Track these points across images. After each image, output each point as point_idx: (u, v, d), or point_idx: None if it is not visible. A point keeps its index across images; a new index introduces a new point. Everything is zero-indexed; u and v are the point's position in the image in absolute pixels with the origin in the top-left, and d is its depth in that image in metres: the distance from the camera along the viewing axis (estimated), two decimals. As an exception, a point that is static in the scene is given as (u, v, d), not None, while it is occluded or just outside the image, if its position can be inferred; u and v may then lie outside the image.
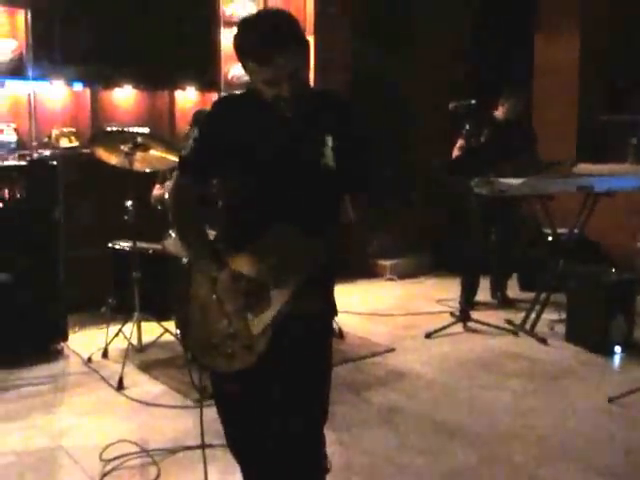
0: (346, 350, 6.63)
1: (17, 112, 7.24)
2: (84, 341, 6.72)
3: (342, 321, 7.01)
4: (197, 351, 3.21)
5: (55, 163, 6.47)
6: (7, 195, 6.08)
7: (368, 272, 9.64)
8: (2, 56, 6.99)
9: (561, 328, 7.12)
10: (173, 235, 5.72)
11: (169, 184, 5.16)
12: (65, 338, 6.53)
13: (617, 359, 6.55)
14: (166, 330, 6.29)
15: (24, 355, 6.12)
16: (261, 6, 8.69)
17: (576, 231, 7.38)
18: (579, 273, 7.06)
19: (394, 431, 5.03)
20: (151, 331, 6.41)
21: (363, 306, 8.23)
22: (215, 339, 3.01)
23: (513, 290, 8.63)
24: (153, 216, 5.97)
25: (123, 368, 5.76)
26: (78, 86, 7.57)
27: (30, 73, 7.12)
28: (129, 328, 6.20)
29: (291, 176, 2.93)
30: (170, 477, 4.36)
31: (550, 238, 7.83)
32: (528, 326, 7.25)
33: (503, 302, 8.37)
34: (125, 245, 6.42)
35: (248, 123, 2.95)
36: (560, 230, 7.55)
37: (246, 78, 2.93)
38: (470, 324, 7.33)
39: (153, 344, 6.43)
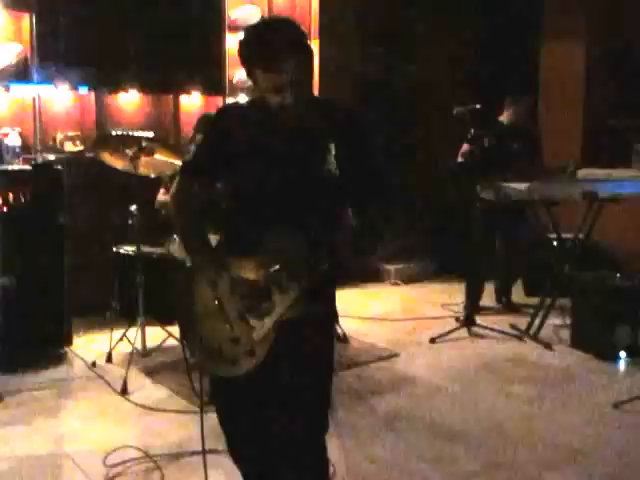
0: (351, 355, 6.62)
1: (22, 116, 7.23)
2: (88, 345, 6.72)
3: (347, 326, 7.02)
4: (200, 356, 3.21)
5: (60, 167, 6.47)
6: (12, 199, 6.07)
7: (373, 276, 9.62)
8: (7, 60, 6.98)
9: (566, 333, 7.11)
10: (177, 239, 5.72)
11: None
12: (69, 342, 6.54)
13: (622, 364, 6.53)
14: (170, 334, 6.28)
15: (28, 359, 6.10)
16: (266, 11, 8.69)
17: (581, 236, 7.36)
18: (584, 278, 7.05)
19: (399, 437, 5.02)
20: (155, 335, 6.39)
21: (368, 311, 8.21)
22: (217, 344, 3.02)
23: (518, 295, 8.60)
24: (158, 220, 5.96)
25: (127, 373, 5.75)
26: (83, 90, 7.57)
27: (35, 77, 7.11)
28: (133, 332, 6.20)
29: (294, 182, 2.94)
30: (174, 483, 4.37)
31: (555, 243, 7.81)
32: (533, 331, 7.23)
33: (508, 307, 8.34)
34: (129, 249, 6.41)
35: (251, 130, 2.97)
36: (565, 235, 7.53)
37: (250, 83, 2.93)
38: (475, 329, 7.32)
39: (157, 349, 6.41)
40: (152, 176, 6.15)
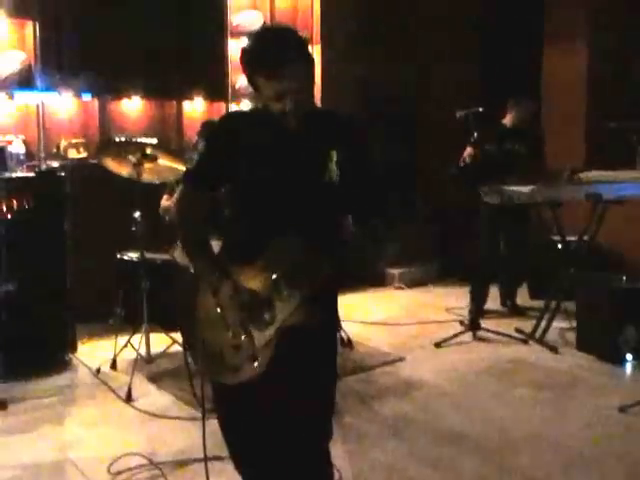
0: (356, 360, 6.61)
1: (26, 123, 7.25)
2: (92, 352, 6.72)
3: (351, 330, 7.01)
4: (203, 364, 3.21)
5: (63, 174, 6.48)
6: (16, 206, 6.07)
7: (377, 281, 9.62)
8: (11, 67, 7.00)
9: (572, 336, 7.10)
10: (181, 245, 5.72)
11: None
12: (74, 349, 6.55)
13: (628, 367, 6.51)
14: (174, 341, 6.28)
15: (32, 366, 6.09)
16: (268, 16, 8.70)
17: (586, 238, 7.35)
18: (589, 281, 7.04)
19: (404, 442, 5.01)
20: (159, 342, 6.39)
21: (372, 315, 8.21)
22: (220, 351, 3.02)
23: (523, 298, 8.60)
24: (161, 227, 5.96)
25: (131, 379, 5.75)
26: (86, 97, 7.58)
27: (38, 84, 7.12)
28: (137, 339, 6.19)
29: (295, 190, 2.95)
30: (178, 489, 4.37)
31: (560, 246, 7.80)
32: (538, 335, 7.21)
33: (513, 310, 8.34)
34: (133, 256, 6.42)
35: (253, 137, 2.98)
36: (570, 238, 7.52)
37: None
38: (480, 333, 7.30)
39: (162, 355, 6.40)
40: (156, 182, 6.16)
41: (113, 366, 6.29)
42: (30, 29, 7.13)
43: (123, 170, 6.02)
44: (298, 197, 2.96)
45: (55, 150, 7.35)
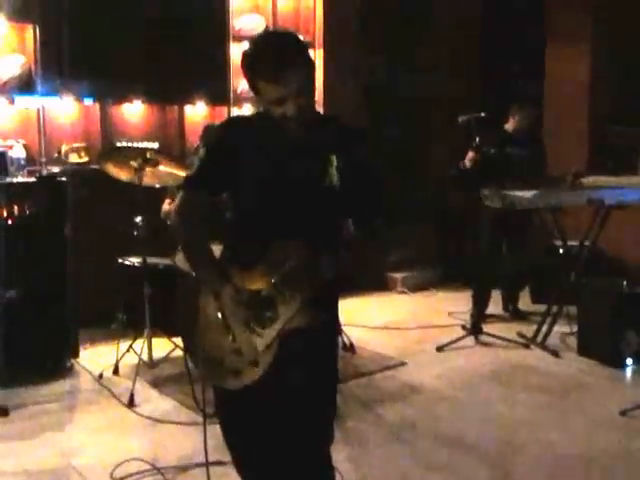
0: (358, 364, 6.62)
1: (26, 128, 7.24)
2: (95, 357, 6.71)
3: (354, 335, 7.02)
4: (204, 368, 3.21)
5: (65, 179, 6.47)
6: (17, 211, 6.07)
7: (379, 285, 9.61)
8: (11, 71, 6.98)
9: (573, 341, 7.11)
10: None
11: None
12: (76, 355, 6.54)
13: (629, 372, 6.52)
14: (177, 346, 6.28)
15: (35, 372, 6.09)
16: (270, 21, 8.69)
17: (587, 243, 7.34)
18: (591, 285, 7.04)
19: (407, 446, 5.02)
20: (162, 347, 6.39)
21: (375, 319, 8.21)
22: (221, 355, 3.02)
23: (525, 303, 8.60)
24: (163, 231, 5.95)
25: (134, 384, 5.74)
26: (88, 101, 7.57)
27: (39, 88, 7.10)
28: (140, 344, 6.18)
29: (295, 194, 2.96)
30: (181, 495, 4.37)
31: (561, 250, 7.80)
32: (540, 339, 7.23)
33: (515, 315, 8.35)
34: (135, 261, 6.40)
35: (254, 142, 2.99)
36: (571, 242, 7.52)
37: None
38: (482, 337, 7.32)
39: (164, 360, 6.40)
40: (157, 186, 6.16)
41: (115, 371, 6.29)
42: (30, 33, 7.11)
43: (124, 175, 6.01)
44: (299, 201, 2.96)
45: (56, 155, 7.32)
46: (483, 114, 6.79)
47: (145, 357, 6.22)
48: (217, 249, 3.15)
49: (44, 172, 7.00)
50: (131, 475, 4.52)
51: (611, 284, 6.90)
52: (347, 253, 3.01)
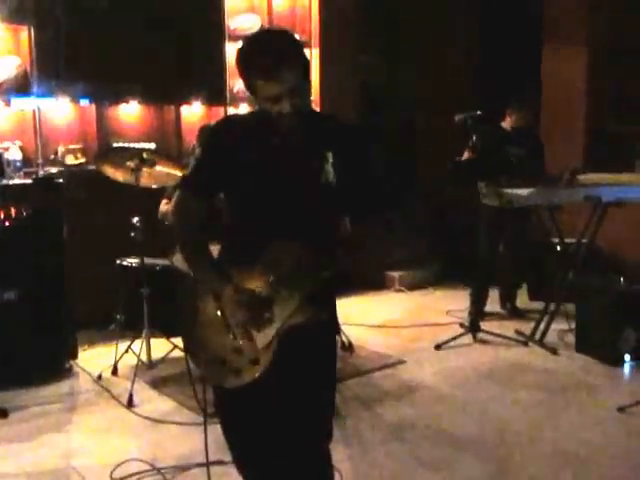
0: (356, 363, 6.62)
1: (22, 129, 7.23)
2: (93, 359, 6.71)
3: (352, 334, 7.01)
4: (204, 368, 3.21)
5: (61, 181, 6.46)
6: (14, 213, 6.07)
7: (377, 284, 9.62)
8: (6, 73, 6.97)
9: (571, 338, 7.12)
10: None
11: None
12: (74, 356, 6.53)
13: (627, 368, 6.53)
14: (175, 346, 6.28)
15: (33, 374, 6.08)
16: (266, 20, 8.69)
17: (584, 241, 7.34)
18: (588, 283, 7.04)
19: (405, 444, 5.02)
20: (160, 347, 6.39)
21: (372, 318, 8.21)
22: (221, 354, 3.03)
23: (522, 300, 8.61)
24: (160, 232, 5.95)
25: (133, 385, 5.75)
26: (84, 102, 7.56)
27: (35, 90, 7.09)
28: (138, 345, 6.18)
29: (292, 191, 2.97)
30: (181, 495, 4.37)
31: (559, 248, 7.81)
32: (538, 336, 7.23)
33: (512, 312, 8.35)
34: (133, 261, 6.40)
35: (250, 141, 2.99)
36: (569, 240, 7.53)
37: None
38: (480, 335, 7.32)
39: (162, 360, 6.41)
40: (154, 187, 6.15)
41: (114, 372, 6.29)
42: (26, 34, 7.08)
43: (121, 176, 6.01)
44: (296, 198, 2.98)
45: (53, 156, 7.31)
46: (480, 112, 6.79)
47: (144, 358, 6.23)
48: (215, 249, 3.16)
49: (41, 173, 7.00)
50: (131, 475, 4.52)
51: (609, 281, 6.90)
52: (344, 251, 3.02)
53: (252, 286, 2.96)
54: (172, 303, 5.96)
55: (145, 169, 5.90)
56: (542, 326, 7.28)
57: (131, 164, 5.85)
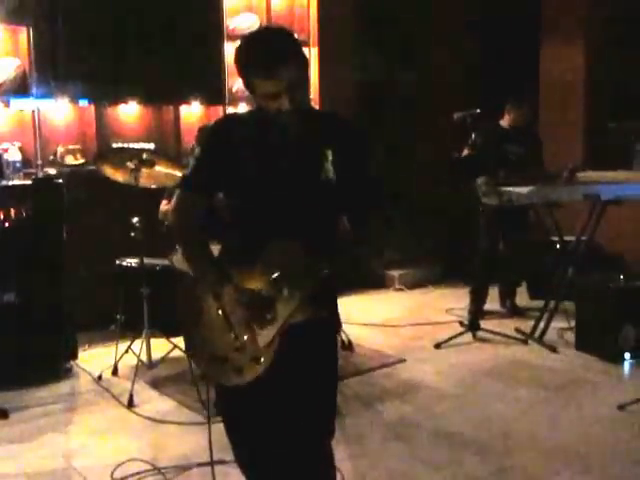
0: (356, 362, 6.62)
1: (22, 130, 7.23)
2: (93, 359, 6.72)
3: (351, 333, 7.02)
4: (206, 367, 3.22)
5: (61, 181, 6.46)
6: (13, 214, 6.07)
7: (377, 283, 9.62)
8: (5, 74, 6.97)
9: (571, 336, 7.11)
10: (180, 251, 5.71)
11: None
12: (74, 356, 6.53)
13: (627, 366, 6.53)
14: (175, 346, 6.27)
15: (34, 375, 6.09)
16: (264, 19, 8.69)
17: (584, 238, 7.35)
18: (588, 281, 7.04)
19: (406, 443, 5.02)
20: (160, 347, 6.38)
21: (372, 317, 8.22)
22: (223, 353, 3.03)
23: (522, 298, 8.60)
24: (160, 232, 5.95)
25: (133, 385, 5.75)
26: (83, 103, 7.56)
27: (34, 91, 7.09)
28: (138, 345, 6.18)
29: (292, 189, 2.97)
30: (182, 495, 4.37)
31: (558, 246, 7.82)
32: (538, 334, 7.23)
33: (512, 311, 8.35)
34: (133, 262, 6.41)
35: (249, 138, 3.00)
36: (569, 238, 7.53)
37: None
38: (480, 333, 7.32)
39: (162, 360, 6.40)
40: (153, 187, 6.15)
41: (114, 372, 6.30)
42: (24, 35, 7.09)
43: (121, 176, 6.01)
44: (295, 196, 2.98)
45: (52, 157, 7.32)
46: (478, 111, 6.79)
47: (144, 358, 6.22)
48: (216, 249, 3.16)
49: (40, 174, 7.01)
50: (131, 475, 4.52)
51: (608, 279, 6.89)
52: (344, 249, 3.03)
53: (252, 286, 2.96)
54: (172, 303, 5.96)
55: (144, 169, 5.89)
56: (542, 324, 7.28)
57: (130, 164, 5.85)
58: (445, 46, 9.95)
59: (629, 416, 5.40)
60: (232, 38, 8.31)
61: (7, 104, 7.05)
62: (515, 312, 8.32)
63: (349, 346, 6.88)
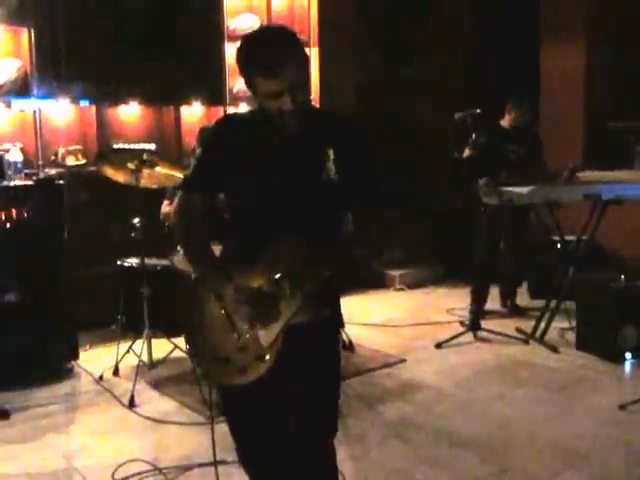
0: (357, 362, 6.62)
1: (23, 131, 7.23)
2: (95, 359, 6.71)
3: (352, 333, 7.01)
4: (208, 367, 3.22)
5: (62, 182, 6.46)
6: (15, 215, 6.07)
7: (377, 283, 9.62)
8: (7, 75, 6.97)
9: (572, 336, 7.11)
10: (181, 251, 5.72)
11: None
12: (76, 357, 6.53)
13: (628, 366, 6.52)
14: (176, 346, 6.28)
15: (35, 375, 6.09)
16: (265, 20, 8.69)
17: (584, 238, 7.35)
18: (589, 280, 7.04)
19: (407, 443, 5.02)
20: (161, 347, 6.38)
21: (373, 317, 8.22)
22: (226, 353, 3.02)
23: (523, 298, 8.61)
24: (161, 232, 5.96)
25: (134, 386, 5.75)
26: (84, 103, 7.56)
27: (35, 92, 7.09)
28: (139, 345, 6.19)
29: (293, 188, 2.97)
30: (183, 495, 4.37)
31: (559, 246, 7.82)
32: (539, 334, 7.23)
33: (513, 311, 8.36)
34: (133, 262, 6.42)
35: (250, 138, 3.00)
36: (569, 237, 7.53)
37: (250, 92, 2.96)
38: (480, 333, 7.32)
39: (164, 360, 6.39)
40: (154, 187, 6.15)
41: (115, 373, 6.30)
42: (26, 36, 7.09)
43: (121, 177, 6.01)
44: (297, 196, 2.98)
45: (53, 157, 7.32)
46: (478, 111, 6.79)
47: (145, 358, 6.22)
48: (217, 249, 3.16)
49: (41, 175, 7.00)
50: (132, 476, 4.52)
51: (609, 279, 6.89)
52: (346, 249, 3.03)
53: (255, 284, 2.96)
54: (173, 303, 5.97)
55: (145, 170, 5.90)
56: (543, 324, 7.28)
57: (131, 165, 5.85)
58: (445, 46, 9.95)
59: (630, 416, 5.40)
60: (232, 38, 8.32)
61: (8, 105, 7.05)
62: (516, 312, 8.32)
63: (350, 346, 6.88)
